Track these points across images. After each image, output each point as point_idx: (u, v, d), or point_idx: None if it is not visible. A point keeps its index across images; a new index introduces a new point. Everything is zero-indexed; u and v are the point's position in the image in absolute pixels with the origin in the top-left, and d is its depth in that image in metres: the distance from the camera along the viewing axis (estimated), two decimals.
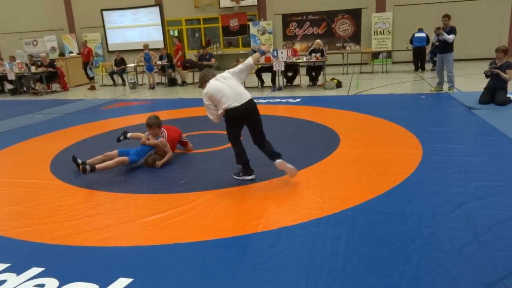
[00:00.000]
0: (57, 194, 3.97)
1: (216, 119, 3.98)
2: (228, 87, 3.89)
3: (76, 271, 2.58)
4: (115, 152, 4.67)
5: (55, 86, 12.83)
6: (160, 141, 4.69)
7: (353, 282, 2.30)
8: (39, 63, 12.26)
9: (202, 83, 4.11)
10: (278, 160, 3.90)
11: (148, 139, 4.75)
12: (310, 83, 10.53)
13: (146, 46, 11.98)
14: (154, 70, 12.51)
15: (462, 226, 2.85)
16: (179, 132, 5.07)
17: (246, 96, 3.90)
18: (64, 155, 5.35)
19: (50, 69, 11.99)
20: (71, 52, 16.40)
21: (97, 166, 4.35)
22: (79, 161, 4.46)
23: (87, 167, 4.26)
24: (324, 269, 2.44)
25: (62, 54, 15.08)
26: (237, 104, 3.81)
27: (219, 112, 3.89)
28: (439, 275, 2.32)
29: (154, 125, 4.73)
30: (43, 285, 2.45)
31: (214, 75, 4.06)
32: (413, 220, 2.99)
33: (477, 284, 2.20)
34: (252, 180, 4.02)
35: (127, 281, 2.43)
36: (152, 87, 11.76)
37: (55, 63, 12.52)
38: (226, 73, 4.06)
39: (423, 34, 11.83)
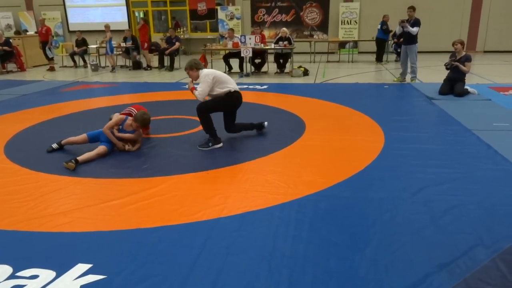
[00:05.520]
0: (13, 178, 3.78)
1: (203, 97, 4.42)
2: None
3: (32, 258, 2.47)
4: (84, 136, 4.47)
5: (11, 66, 12.14)
6: (137, 135, 4.53)
7: (315, 265, 2.33)
8: None
9: (195, 68, 4.45)
10: (266, 123, 4.98)
11: (118, 131, 4.43)
12: (278, 70, 10.53)
13: (107, 27, 11.51)
14: (118, 52, 12.12)
15: (420, 210, 2.96)
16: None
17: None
18: (20, 138, 5.10)
19: (5, 47, 11.33)
20: (26, 31, 15.52)
21: (79, 158, 4.09)
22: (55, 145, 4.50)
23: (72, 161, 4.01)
24: (287, 253, 2.46)
25: (18, 33, 14.26)
26: (237, 89, 4.55)
27: (217, 92, 4.41)
28: (397, 257, 2.40)
29: (145, 126, 4.70)
30: None
31: None
32: (374, 204, 3.07)
33: (432, 265, 2.30)
34: (215, 163, 4.00)
35: (86, 266, 2.36)
36: (112, 70, 11.41)
37: (11, 41, 11.84)
38: None
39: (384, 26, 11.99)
